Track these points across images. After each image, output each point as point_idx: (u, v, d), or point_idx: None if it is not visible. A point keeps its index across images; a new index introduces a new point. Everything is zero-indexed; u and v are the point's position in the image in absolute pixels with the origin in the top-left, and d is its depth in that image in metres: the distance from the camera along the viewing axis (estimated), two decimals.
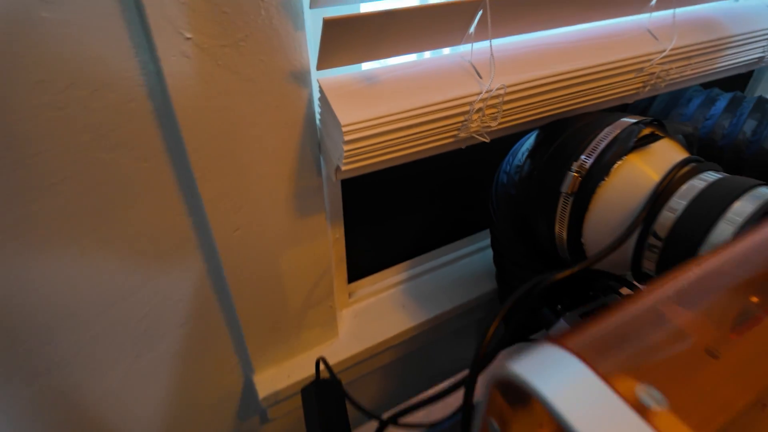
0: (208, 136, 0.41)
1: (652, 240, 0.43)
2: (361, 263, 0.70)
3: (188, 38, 0.37)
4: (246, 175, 0.45)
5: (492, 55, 0.45)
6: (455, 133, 0.47)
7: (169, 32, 0.36)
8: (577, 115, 0.54)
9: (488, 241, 0.81)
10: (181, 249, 0.48)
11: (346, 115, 0.40)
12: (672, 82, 0.59)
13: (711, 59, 0.61)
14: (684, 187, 0.42)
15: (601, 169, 0.45)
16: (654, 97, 0.75)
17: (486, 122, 0.48)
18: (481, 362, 0.38)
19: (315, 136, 0.47)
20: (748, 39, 0.64)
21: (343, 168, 0.43)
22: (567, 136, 0.50)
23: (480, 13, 0.44)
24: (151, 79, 0.39)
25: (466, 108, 0.46)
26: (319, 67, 0.41)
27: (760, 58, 0.68)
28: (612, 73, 0.53)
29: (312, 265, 0.56)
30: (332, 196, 0.57)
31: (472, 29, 0.45)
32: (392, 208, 0.67)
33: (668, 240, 0.41)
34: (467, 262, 0.78)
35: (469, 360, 0.88)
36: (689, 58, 0.59)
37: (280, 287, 0.55)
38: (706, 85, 0.84)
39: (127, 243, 0.45)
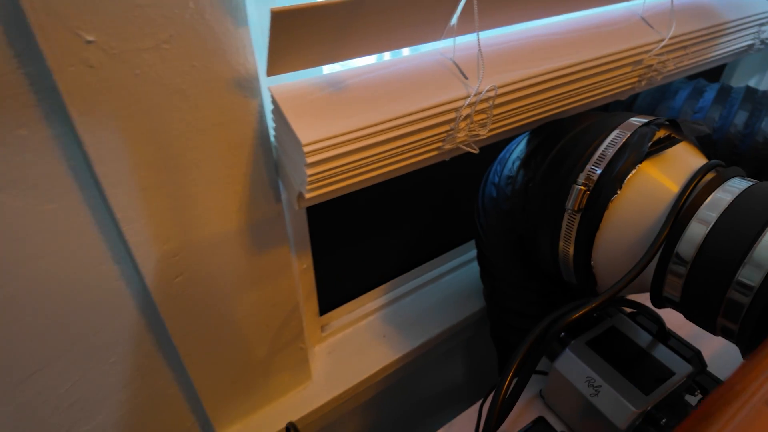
0: (130, 165, 0.32)
1: (675, 263, 0.36)
2: (334, 291, 0.62)
3: (90, 41, 0.27)
4: (184, 210, 0.36)
5: (480, 50, 0.38)
6: (439, 144, 0.40)
7: (60, 34, 0.26)
8: (574, 115, 0.47)
9: (474, 253, 0.74)
10: (109, 303, 0.39)
11: (308, 131, 0.32)
12: (668, 74, 0.54)
13: (706, 48, 0.56)
14: (709, 199, 0.36)
15: (613, 181, 0.38)
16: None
17: (474, 130, 0.41)
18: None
19: (270, 157, 0.38)
20: (741, 25, 0.59)
21: (308, 195, 0.35)
22: (567, 142, 0.43)
23: (463, 1, 0.36)
24: (47, 98, 0.29)
25: (452, 115, 0.38)
26: (270, 72, 0.32)
27: (750, 45, 0.64)
28: (610, 66, 0.46)
29: (277, 305, 0.47)
30: (296, 223, 0.49)
31: (454, 20, 0.38)
32: (365, 228, 0.59)
33: (696, 262, 0.35)
34: (452, 278, 0.71)
35: (457, 382, 0.82)
36: (686, 47, 0.53)
37: (240, 335, 0.46)
38: (691, 76, 0.80)
39: (37, 300, 0.35)
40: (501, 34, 0.45)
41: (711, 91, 0.70)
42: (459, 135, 0.40)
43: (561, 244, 0.42)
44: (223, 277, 0.41)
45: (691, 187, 0.37)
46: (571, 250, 0.41)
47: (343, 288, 0.62)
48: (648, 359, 0.45)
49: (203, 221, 0.37)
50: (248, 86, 0.34)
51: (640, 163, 0.38)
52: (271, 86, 0.34)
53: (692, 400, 0.45)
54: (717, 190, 0.36)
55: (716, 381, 0.46)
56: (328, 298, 0.61)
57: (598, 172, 0.39)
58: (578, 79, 0.45)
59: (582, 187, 0.39)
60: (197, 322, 0.42)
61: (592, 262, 0.40)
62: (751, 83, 0.98)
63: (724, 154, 0.67)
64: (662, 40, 0.49)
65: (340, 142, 0.33)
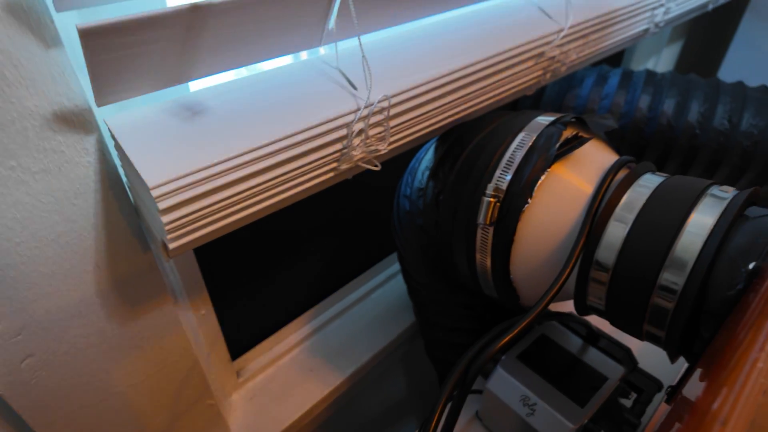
0: None
1: (596, 270, 0.34)
2: (247, 331, 0.55)
3: None
4: (18, 280, 0.29)
5: (364, 56, 0.33)
6: (334, 165, 0.35)
7: None
8: (481, 117, 0.44)
9: (399, 266, 0.70)
10: None
11: (156, 169, 0.26)
12: (572, 64, 0.52)
13: (605, 35, 0.55)
14: (624, 198, 0.34)
15: (522, 189, 0.35)
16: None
17: (372, 145, 0.36)
18: None
19: (126, 200, 0.31)
20: (635, 11, 0.59)
21: (172, 246, 0.28)
22: (473, 149, 0.40)
23: (338, 0, 0.31)
24: None
25: (342, 132, 0.33)
26: (100, 101, 0.26)
27: (646, 30, 0.64)
28: (512, 62, 0.43)
29: (169, 365, 0.40)
30: (183, 267, 0.42)
31: (332, 23, 0.33)
32: (272, 257, 0.53)
33: (617, 268, 0.33)
34: (380, 295, 0.67)
35: (401, 398, 0.78)
36: (586, 36, 0.52)
37: (129, 408, 0.39)
38: (594, 63, 0.80)
39: None
40: (391, 35, 0.41)
41: (615, 77, 0.70)
42: (355, 153, 0.35)
43: (478, 259, 0.38)
44: (89, 348, 0.34)
45: (605, 187, 0.34)
46: (489, 265, 0.38)
47: (257, 325, 0.56)
48: (580, 367, 0.43)
49: (46, 290, 0.30)
50: (78, 120, 0.27)
51: (549, 167, 0.35)
52: (108, 118, 0.27)
53: (628, 402, 0.43)
54: (631, 188, 0.34)
55: (648, 378, 0.44)
56: (240, 340, 0.55)
57: (507, 180, 0.36)
58: (480, 79, 0.41)
59: (491, 200, 0.36)
60: (65, 406, 0.35)
61: (512, 276, 0.37)
62: (649, 65, 1.01)
63: (633, 139, 0.68)
64: (562, 30, 0.47)
65: (202, 179, 0.27)
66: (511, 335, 0.32)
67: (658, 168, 0.69)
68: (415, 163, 0.47)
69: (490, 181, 0.36)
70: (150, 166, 0.26)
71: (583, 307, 0.36)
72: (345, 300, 0.64)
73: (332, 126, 0.32)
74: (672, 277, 0.31)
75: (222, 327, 0.50)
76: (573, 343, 0.46)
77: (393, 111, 0.36)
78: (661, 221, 0.32)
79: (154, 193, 0.25)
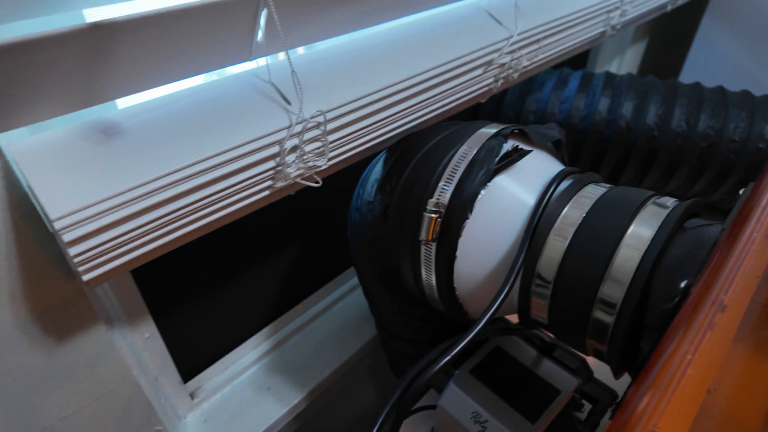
0: None
1: (537, 285, 0.33)
2: (200, 350, 0.54)
3: None
4: None
5: (293, 70, 0.32)
6: (268, 184, 0.33)
7: None
8: (429, 128, 0.43)
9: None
10: None
11: (60, 200, 0.24)
12: (524, 71, 0.52)
13: (558, 40, 0.55)
14: (565, 211, 0.33)
15: (463, 204, 0.34)
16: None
17: (311, 161, 0.35)
18: None
19: (42, 227, 0.30)
20: (590, 14, 0.58)
21: (86, 278, 0.27)
22: (419, 161, 0.39)
23: (264, 11, 0.30)
24: None
25: (275, 149, 0.32)
26: (1, 127, 0.24)
27: (602, 33, 0.64)
28: (460, 72, 0.43)
29: (107, 395, 0.38)
30: (119, 290, 0.40)
31: (259, 36, 0.31)
32: (223, 272, 0.52)
33: (558, 282, 0.32)
34: (342, 308, 0.65)
35: (368, 409, 0.76)
36: (538, 41, 0.51)
37: None
38: (556, 65, 0.80)
39: None
40: (334, 45, 0.39)
41: (575, 80, 0.70)
42: (290, 170, 0.34)
43: (423, 275, 0.37)
44: (12, 383, 0.32)
45: (546, 199, 0.34)
46: (434, 281, 0.37)
47: (211, 345, 0.54)
48: (533, 380, 0.43)
49: None
50: None
51: (490, 180, 0.34)
52: (10, 144, 0.26)
53: (582, 415, 0.43)
54: (572, 200, 0.33)
55: (603, 388, 0.44)
56: (192, 361, 0.53)
57: (448, 195, 0.35)
58: (426, 90, 0.41)
59: (433, 216, 0.35)
60: None
61: (457, 292, 0.36)
62: (614, 65, 1.02)
63: (593, 142, 0.68)
64: (511, 37, 0.47)
65: (111, 208, 0.26)
66: (440, 365, 0.31)
67: (619, 171, 0.69)
68: (366, 174, 0.46)
69: (432, 196, 0.36)
70: (53, 196, 0.24)
71: (527, 321, 0.36)
72: (305, 314, 0.63)
73: (262, 144, 0.31)
74: (611, 291, 0.30)
75: (170, 349, 0.49)
76: (527, 354, 0.45)
77: (332, 125, 0.35)
78: (600, 235, 0.31)
79: (57, 225, 0.24)
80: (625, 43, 0.99)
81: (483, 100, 0.51)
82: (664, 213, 0.31)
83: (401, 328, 0.52)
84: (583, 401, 0.43)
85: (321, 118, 0.34)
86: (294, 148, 0.33)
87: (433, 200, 0.35)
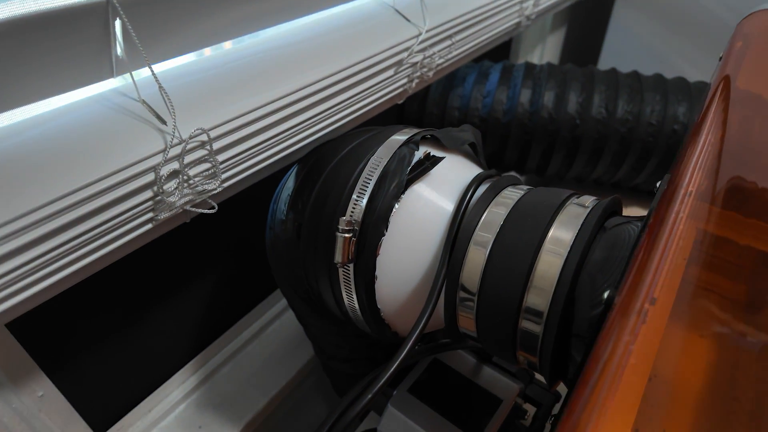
0: None
1: (462, 297, 0.31)
2: (115, 397, 0.48)
3: None
4: None
5: (160, 86, 0.28)
6: (149, 216, 0.29)
7: None
8: (342, 136, 0.40)
9: None
10: None
11: None
12: (439, 68, 0.50)
13: (472, 34, 0.53)
14: (484, 217, 0.31)
15: (377, 221, 0.31)
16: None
17: (198, 185, 0.31)
18: None
19: None
20: (502, 6, 0.57)
21: None
22: (329, 175, 0.35)
23: (118, 22, 0.26)
24: None
25: (149, 178, 0.28)
26: None
27: (518, 24, 0.63)
28: (366, 75, 0.40)
29: None
30: None
31: (118, 50, 0.27)
32: (131, 307, 0.47)
33: (482, 293, 0.30)
34: (274, 331, 0.61)
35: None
36: (450, 36, 0.49)
37: None
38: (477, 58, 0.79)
39: None
40: (222, 53, 0.35)
41: (495, 73, 0.69)
42: (174, 199, 0.29)
43: (344, 298, 0.34)
44: None
45: (463, 206, 0.31)
46: (356, 304, 0.34)
47: (128, 387, 0.49)
48: (474, 390, 0.41)
49: None
50: None
51: (403, 193, 0.31)
52: None
53: (526, 422, 0.41)
54: (490, 206, 0.31)
55: (546, 389, 0.43)
56: (107, 409, 0.47)
57: (361, 211, 0.32)
58: (329, 97, 0.37)
59: (345, 235, 0.32)
60: None
61: (382, 313, 0.34)
62: (536, 54, 1.03)
63: (518, 134, 0.67)
64: (420, 34, 0.44)
65: None
66: (379, 386, 0.29)
67: (545, 162, 0.69)
68: (279, 189, 0.42)
69: (344, 213, 0.32)
70: None
71: (455, 335, 0.33)
72: (235, 342, 0.58)
73: (129, 174, 0.27)
74: (536, 300, 0.28)
75: (74, 402, 0.43)
76: (466, 363, 0.43)
77: (220, 143, 0.31)
78: (520, 241, 0.29)
79: None
80: (545, 31, 1.00)
81: (400, 101, 0.48)
82: (584, 213, 0.29)
83: (337, 349, 0.49)
84: (527, 406, 0.42)
85: (204, 137, 0.30)
86: (174, 173, 0.29)
87: (345, 218, 0.32)
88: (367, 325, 0.35)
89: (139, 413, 0.50)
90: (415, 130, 0.35)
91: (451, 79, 0.69)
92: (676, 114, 0.63)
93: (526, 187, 0.33)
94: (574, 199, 0.31)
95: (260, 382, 0.56)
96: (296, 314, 0.49)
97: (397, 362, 0.27)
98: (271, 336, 0.60)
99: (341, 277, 0.33)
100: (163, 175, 0.28)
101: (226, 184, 0.33)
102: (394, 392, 0.41)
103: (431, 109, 0.69)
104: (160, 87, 0.27)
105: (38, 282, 0.25)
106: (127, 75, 0.28)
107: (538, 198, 0.31)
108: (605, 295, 0.25)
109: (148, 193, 0.28)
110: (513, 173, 0.71)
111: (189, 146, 0.29)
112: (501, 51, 0.94)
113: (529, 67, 0.69)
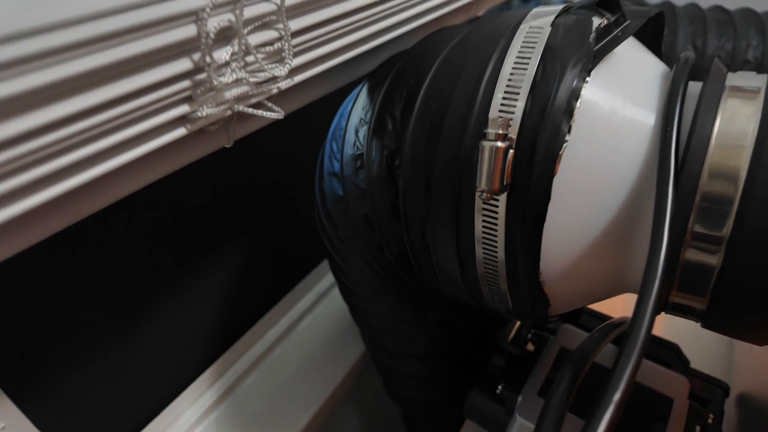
0: None
1: (698, 245, 0.19)
2: (111, 420, 0.35)
3: None
4: None
5: None
6: (185, 111, 0.17)
7: None
8: (431, 35, 0.28)
9: (333, 279, 0.52)
10: None
11: None
12: None
13: None
14: (726, 105, 0.19)
15: (553, 116, 0.19)
16: None
17: (258, 69, 0.18)
18: None
19: None
20: None
21: None
22: (439, 72, 0.23)
23: None
24: None
25: (189, 31, 0.15)
26: None
27: None
28: None
29: None
30: None
31: None
32: (124, 297, 0.34)
33: (741, 232, 0.18)
34: (311, 322, 0.48)
35: None
36: None
37: None
38: None
39: None
40: None
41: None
42: (227, 80, 0.17)
43: (479, 252, 0.22)
44: None
45: (678, 105, 0.20)
46: (503, 261, 0.22)
47: (126, 410, 0.36)
48: None
49: None
50: None
51: (591, 70, 0.20)
52: None
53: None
54: (732, 97, 0.19)
55: (710, 381, 0.32)
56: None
57: (519, 108, 0.20)
58: None
59: (499, 144, 0.19)
60: None
61: (542, 277, 0.22)
62: None
63: None
64: None
65: None
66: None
67: None
68: (339, 121, 0.30)
69: (485, 116, 0.20)
70: None
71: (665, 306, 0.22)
72: (258, 344, 0.45)
73: (156, 14, 0.14)
74: None
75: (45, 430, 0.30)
76: (604, 352, 0.31)
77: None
78: None
79: None
80: None
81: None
82: None
83: (406, 343, 0.37)
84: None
85: None
86: (225, 33, 0.16)
87: (492, 119, 0.20)
88: (507, 296, 0.23)
89: None
90: (559, 3, 0.24)
91: None
92: None
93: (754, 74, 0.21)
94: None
95: (297, 393, 0.43)
96: (352, 298, 0.36)
97: (641, 341, 0.16)
98: (304, 334, 0.48)
99: (481, 217, 0.21)
100: (210, 32, 0.16)
101: (297, 78, 0.20)
102: (519, 397, 0.29)
103: None
104: None
105: None
106: None
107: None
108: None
109: (186, 63, 0.16)
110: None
111: None
112: None
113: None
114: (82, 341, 0.31)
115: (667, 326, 0.44)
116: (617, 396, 0.14)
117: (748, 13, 0.57)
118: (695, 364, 0.33)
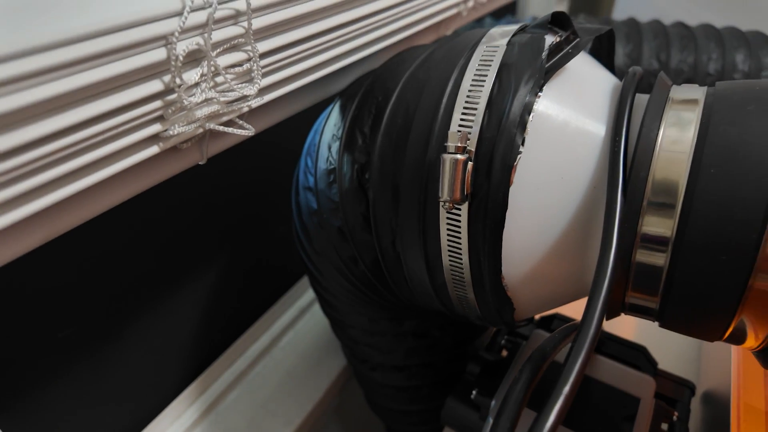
0: None
1: (647, 248, 0.20)
2: None
3: None
4: None
5: None
6: (156, 129, 0.17)
7: None
8: (398, 55, 0.29)
9: (312, 294, 0.53)
10: None
11: None
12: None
13: None
14: (669, 113, 0.21)
15: (508, 129, 0.20)
16: None
17: (228, 87, 0.19)
18: None
19: None
20: None
21: None
22: (407, 86, 0.25)
23: None
24: None
25: (159, 55, 0.16)
26: None
27: None
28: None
29: None
30: None
31: None
32: (102, 313, 0.34)
33: (687, 236, 0.19)
34: (293, 338, 0.49)
35: None
36: None
37: None
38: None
39: None
40: None
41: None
42: (196, 99, 0.18)
43: (446, 260, 0.23)
44: None
45: (626, 114, 0.21)
46: (467, 266, 0.23)
47: (104, 430, 0.36)
48: (597, 390, 0.30)
49: None
50: None
51: (543, 86, 0.21)
52: None
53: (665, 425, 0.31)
54: (668, 105, 0.21)
55: (676, 381, 0.33)
56: None
57: (477, 121, 0.21)
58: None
59: (459, 157, 0.21)
60: None
61: (505, 281, 0.23)
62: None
63: None
64: None
65: None
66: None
67: None
68: (314, 137, 0.31)
69: (446, 130, 0.21)
70: None
71: (620, 309, 0.23)
72: (240, 360, 0.45)
73: (127, 39, 0.15)
74: None
75: None
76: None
77: (262, 21, 0.20)
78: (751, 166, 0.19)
79: None
80: None
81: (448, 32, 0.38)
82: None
83: (385, 354, 0.37)
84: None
85: (241, 3, 0.18)
86: (194, 56, 0.17)
87: (453, 131, 0.21)
88: (474, 301, 0.24)
89: None
90: (522, 23, 0.25)
91: None
92: (735, 62, 0.56)
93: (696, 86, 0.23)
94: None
95: (279, 409, 0.43)
96: (331, 311, 0.37)
97: (588, 342, 0.17)
98: (286, 349, 0.48)
99: (444, 225, 0.22)
100: (179, 55, 0.17)
101: (267, 97, 0.21)
102: (492, 402, 0.30)
103: None
104: None
105: None
106: None
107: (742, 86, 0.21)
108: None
109: (157, 84, 0.17)
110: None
111: (218, 14, 0.18)
112: (508, 8, 0.86)
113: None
114: (58, 362, 0.31)
115: (637, 330, 0.45)
116: (566, 389, 0.15)
117: (708, 28, 0.60)
118: (663, 365, 0.34)
